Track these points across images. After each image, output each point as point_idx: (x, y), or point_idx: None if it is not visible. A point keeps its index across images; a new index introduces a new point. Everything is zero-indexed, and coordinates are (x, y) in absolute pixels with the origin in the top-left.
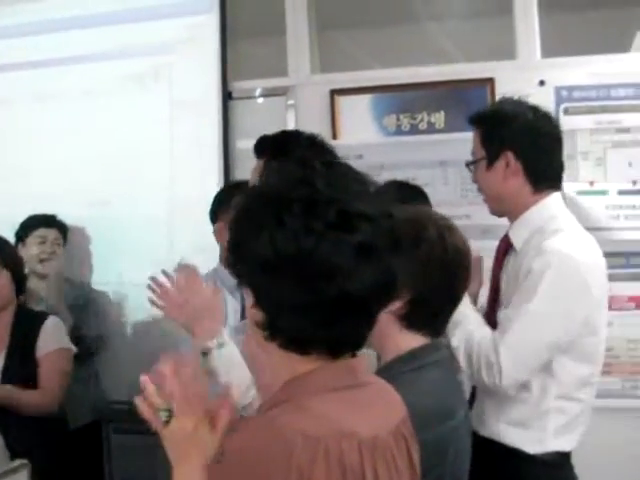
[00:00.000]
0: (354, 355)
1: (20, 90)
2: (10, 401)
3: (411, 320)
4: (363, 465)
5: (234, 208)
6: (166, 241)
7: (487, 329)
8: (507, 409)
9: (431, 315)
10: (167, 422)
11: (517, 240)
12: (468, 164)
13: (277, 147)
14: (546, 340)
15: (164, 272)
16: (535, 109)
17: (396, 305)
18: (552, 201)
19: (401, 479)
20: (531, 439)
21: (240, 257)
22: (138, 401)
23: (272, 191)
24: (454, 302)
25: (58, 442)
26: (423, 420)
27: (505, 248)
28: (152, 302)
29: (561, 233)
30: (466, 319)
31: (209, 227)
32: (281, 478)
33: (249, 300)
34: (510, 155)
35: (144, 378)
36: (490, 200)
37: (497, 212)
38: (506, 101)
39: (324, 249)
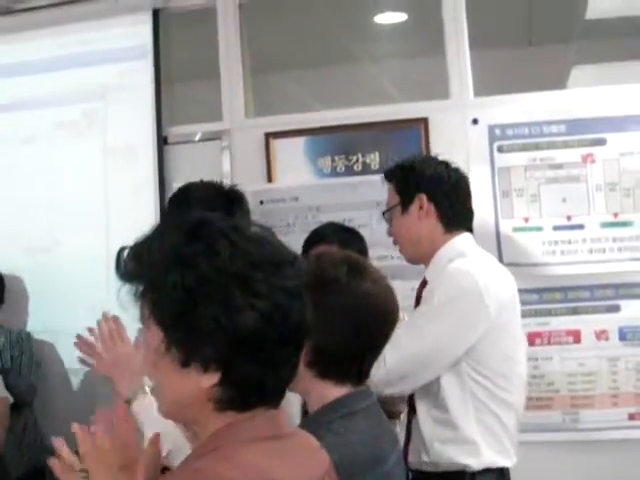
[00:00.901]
0: (276, 406)
1: None
2: None
3: (323, 370)
4: None
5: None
6: (104, 288)
7: None
8: (438, 431)
9: (340, 363)
10: None
11: (431, 278)
12: (384, 212)
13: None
14: (423, 338)
15: (88, 329)
16: (445, 163)
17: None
18: (461, 239)
19: None
20: (468, 453)
21: (205, 341)
22: (53, 462)
23: (218, 265)
24: (372, 349)
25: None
26: (354, 468)
27: (422, 289)
28: (81, 361)
29: (464, 258)
30: None
31: None
32: None
33: (204, 382)
34: (423, 197)
35: (56, 440)
36: (406, 245)
37: (413, 258)
38: (419, 156)
39: (294, 302)
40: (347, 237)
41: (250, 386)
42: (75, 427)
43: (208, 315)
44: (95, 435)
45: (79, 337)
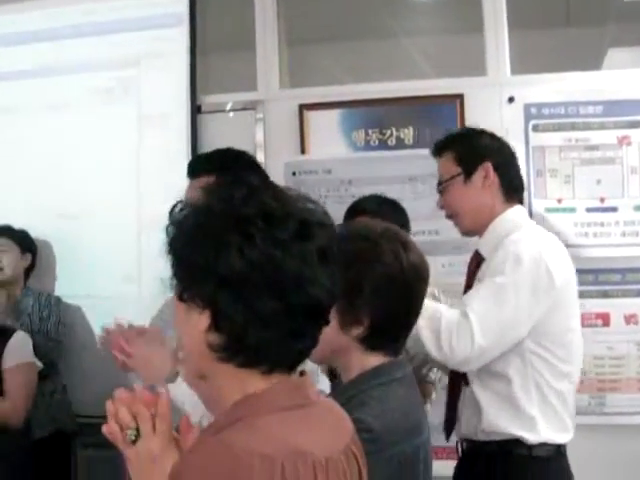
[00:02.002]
0: (302, 373)
1: None
2: None
3: (373, 343)
4: None
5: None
6: (135, 255)
7: (453, 309)
8: (496, 401)
9: (392, 336)
10: (134, 442)
11: (485, 250)
12: (440, 183)
13: (214, 166)
14: (508, 312)
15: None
16: (491, 133)
17: (357, 332)
18: (516, 211)
19: None
20: (525, 426)
21: (198, 277)
22: (106, 427)
23: (227, 208)
24: (413, 319)
25: (20, 455)
26: (394, 435)
27: (476, 262)
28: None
29: (521, 230)
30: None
31: None
32: None
33: (199, 324)
34: (489, 166)
35: (113, 396)
36: (466, 216)
37: (471, 229)
38: (468, 128)
39: (291, 258)
40: (389, 210)
41: (238, 335)
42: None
43: (201, 251)
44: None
45: (106, 332)
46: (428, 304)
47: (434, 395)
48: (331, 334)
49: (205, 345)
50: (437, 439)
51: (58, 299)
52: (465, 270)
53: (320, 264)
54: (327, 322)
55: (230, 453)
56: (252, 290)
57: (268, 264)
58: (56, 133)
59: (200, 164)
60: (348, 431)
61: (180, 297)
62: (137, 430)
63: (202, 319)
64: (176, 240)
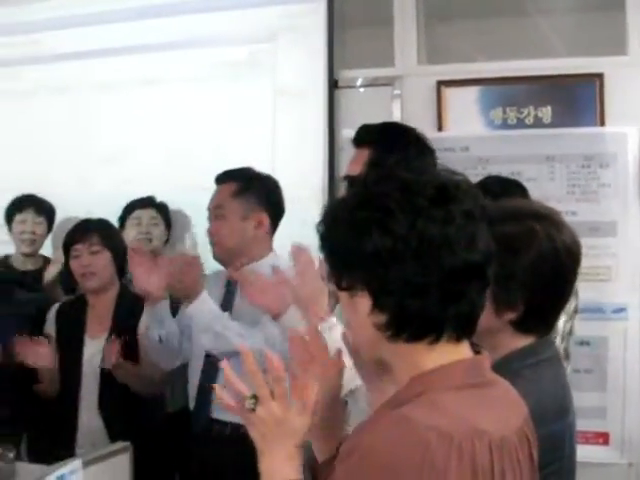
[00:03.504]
0: (478, 352)
1: (123, 75)
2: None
3: (526, 326)
4: (493, 465)
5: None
6: None
7: None
8: None
9: (545, 319)
10: (253, 409)
11: None
12: None
13: (382, 139)
14: None
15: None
16: None
17: (511, 316)
18: None
19: None
20: None
21: (349, 262)
22: (219, 389)
23: (362, 191)
24: (566, 301)
25: (157, 425)
26: (542, 416)
27: None
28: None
29: None
30: None
31: (312, 216)
32: (414, 475)
33: (363, 308)
34: None
35: (224, 363)
36: None
37: None
38: None
39: (435, 223)
40: (509, 188)
41: (399, 309)
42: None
43: (346, 237)
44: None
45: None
46: None
47: None
48: (485, 318)
49: (372, 327)
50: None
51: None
52: (602, 252)
53: (467, 225)
54: (487, 283)
55: (408, 427)
56: (402, 262)
57: (412, 233)
58: (191, 107)
59: (363, 135)
60: (522, 412)
61: (340, 287)
62: (254, 397)
63: (364, 302)
64: (324, 234)
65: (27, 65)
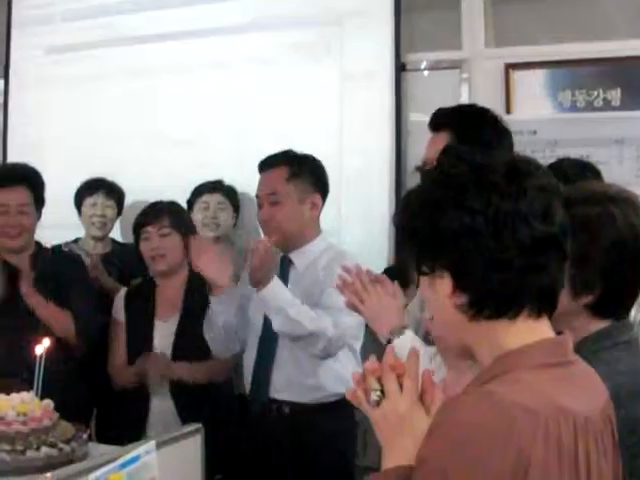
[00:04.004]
0: (559, 332)
1: (194, 58)
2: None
3: (602, 309)
4: (577, 445)
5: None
6: (334, 212)
7: None
8: None
9: (622, 302)
10: (378, 403)
11: None
12: None
13: (459, 122)
14: None
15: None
16: None
17: (587, 300)
18: None
19: (607, 463)
20: None
21: (428, 246)
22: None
23: (435, 174)
24: None
25: (227, 408)
26: (618, 399)
27: None
28: (348, 305)
29: None
30: None
31: (378, 199)
32: (500, 451)
33: (444, 291)
34: None
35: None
36: None
37: None
38: None
39: (509, 198)
40: (584, 171)
41: (479, 286)
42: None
43: (422, 220)
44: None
45: (344, 269)
46: None
47: None
48: (562, 301)
49: (455, 309)
50: None
51: None
52: None
53: (541, 199)
54: (565, 257)
55: (494, 403)
56: (480, 238)
57: (488, 209)
58: (259, 90)
59: (440, 118)
60: (603, 394)
61: (421, 272)
62: (381, 391)
63: (445, 284)
64: (401, 222)
65: (101, 49)
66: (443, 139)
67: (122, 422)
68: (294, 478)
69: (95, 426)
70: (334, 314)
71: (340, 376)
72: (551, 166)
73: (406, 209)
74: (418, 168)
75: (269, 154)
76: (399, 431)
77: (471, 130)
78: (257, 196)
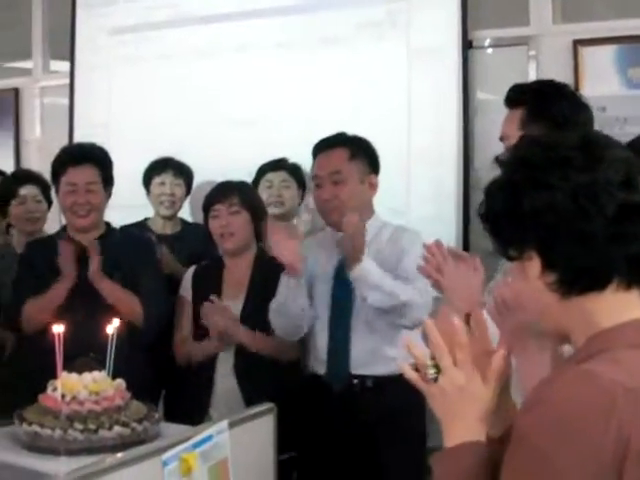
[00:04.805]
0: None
1: (255, 38)
2: (256, 348)
3: None
4: None
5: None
6: (403, 188)
7: None
8: None
9: None
10: (435, 379)
11: None
12: None
13: (537, 98)
14: None
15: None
16: None
17: None
18: None
19: None
20: None
21: (512, 228)
22: (402, 364)
23: (510, 156)
24: None
25: (293, 389)
26: None
27: None
28: (427, 276)
29: None
30: None
31: (447, 177)
32: (602, 428)
33: (533, 272)
34: None
35: (407, 337)
36: None
37: None
38: None
39: (586, 168)
40: None
41: (568, 260)
42: (428, 323)
43: (504, 203)
44: (453, 327)
45: (427, 248)
46: None
47: None
48: None
49: (546, 290)
50: None
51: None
52: None
53: (621, 168)
54: None
55: (594, 381)
56: (563, 213)
57: (566, 183)
58: (324, 68)
59: (517, 94)
60: None
61: (509, 257)
62: (436, 367)
63: (534, 265)
64: (485, 211)
65: (165, 29)
66: (519, 115)
67: (185, 403)
68: (380, 450)
69: (164, 407)
70: (414, 284)
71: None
72: (629, 144)
73: (488, 198)
74: (496, 159)
75: (324, 137)
76: (460, 404)
77: (547, 105)
78: (315, 176)
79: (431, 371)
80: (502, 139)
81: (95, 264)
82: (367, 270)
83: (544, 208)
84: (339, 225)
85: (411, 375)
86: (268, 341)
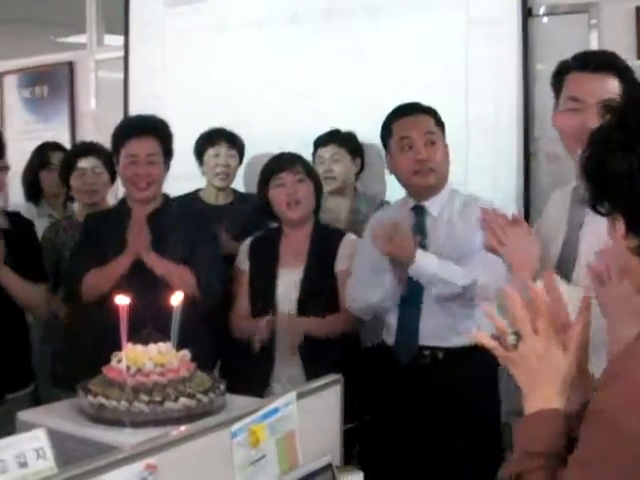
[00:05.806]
0: None
1: (310, 8)
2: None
3: None
4: None
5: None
6: (462, 160)
7: None
8: None
9: None
10: (515, 346)
11: None
12: None
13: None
14: None
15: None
16: None
17: None
18: None
19: None
20: None
21: (600, 188)
22: (477, 333)
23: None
24: None
25: (353, 360)
26: None
27: None
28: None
29: None
30: None
31: (507, 147)
32: None
33: (620, 232)
34: None
35: (486, 305)
36: None
37: None
38: None
39: None
40: None
41: None
42: (508, 289)
43: (593, 164)
44: (532, 293)
45: (483, 212)
46: None
47: None
48: None
49: (630, 252)
50: None
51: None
52: None
53: None
54: None
55: None
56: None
57: None
58: (383, 39)
59: (578, 61)
60: None
61: (601, 213)
62: (516, 334)
63: (619, 226)
64: (580, 161)
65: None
66: (605, 80)
67: (245, 375)
68: (448, 421)
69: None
70: (483, 262)
71: None
72: None
73: (584, 150)
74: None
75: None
76: (541, 371)
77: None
78: (404, 138)
79: (511, 337)
80: (575, 99)
81: (143, 240)
82: (422, 266)
83: (629, 174)
84: (430, 191)
85: (490, 343)
86: (331, 323)
